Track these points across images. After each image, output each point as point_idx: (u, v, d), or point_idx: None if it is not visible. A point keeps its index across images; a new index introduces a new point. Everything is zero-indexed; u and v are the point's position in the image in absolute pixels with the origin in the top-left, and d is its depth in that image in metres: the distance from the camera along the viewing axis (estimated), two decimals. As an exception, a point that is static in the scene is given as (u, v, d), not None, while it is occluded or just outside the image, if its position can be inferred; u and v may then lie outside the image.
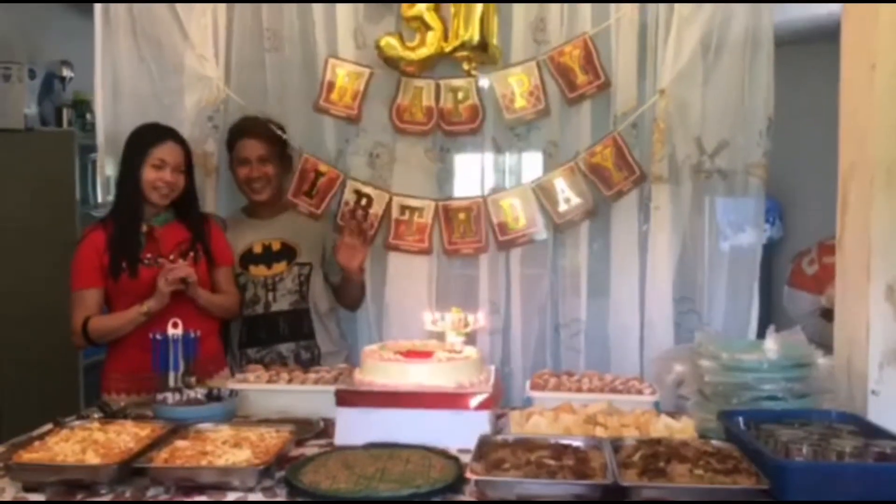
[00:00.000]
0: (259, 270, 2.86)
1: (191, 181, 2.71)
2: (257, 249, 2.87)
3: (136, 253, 2.59)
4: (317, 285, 2.89)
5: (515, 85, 2.79)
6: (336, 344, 2.94)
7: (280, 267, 2.86)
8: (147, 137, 2.63)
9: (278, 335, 2.86)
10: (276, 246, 2.88)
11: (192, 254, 2.65)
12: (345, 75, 2.83)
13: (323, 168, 2.87)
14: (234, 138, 2.87)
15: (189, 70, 2.89)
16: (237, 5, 2.93)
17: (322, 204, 2.88)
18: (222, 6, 2.91)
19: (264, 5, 2.92)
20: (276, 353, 2.84)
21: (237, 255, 2.84)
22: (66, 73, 4.31)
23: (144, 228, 2.63)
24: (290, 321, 2.86)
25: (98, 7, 2.90)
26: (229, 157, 2.90)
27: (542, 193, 2.81)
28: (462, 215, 2.85)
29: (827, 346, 2.20)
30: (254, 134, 2.83)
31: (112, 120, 2.91)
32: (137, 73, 2.92)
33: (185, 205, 2.71)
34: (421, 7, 2.73)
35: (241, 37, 2.96)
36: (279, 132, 2.84)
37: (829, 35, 2.40)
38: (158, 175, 2.60)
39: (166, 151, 2.61)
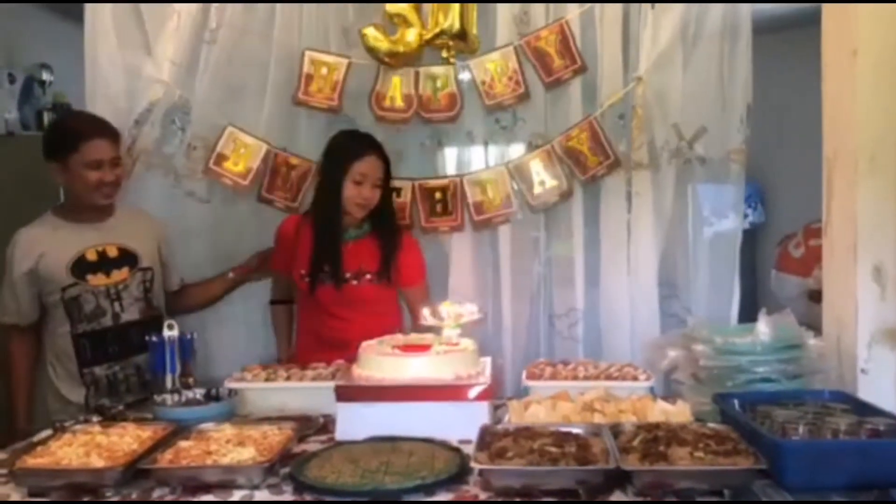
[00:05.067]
0: (98, 279, 2.53)
1: (388, 194, 2.64)
2: (91, 257, 2.53)
3: (339, 265, 2.60)
4: (160, 290, 2.69)
5: (494, 70, 2.82)
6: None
7: (122, 274, 2.56)
8: (350, 151, 2.56)
9: (131, 347, 2.56)
10: (112, 252, 2.57)
11: (367, 276, 2.64)
12: (323, 66, 2.83)
13: (294, 161, 2.85)
14: (78, 138, 2.49)
15: (150, 71, 2.81)
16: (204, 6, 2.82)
17: (298, 197, 2.87)
18: (187, 7, 2.80)
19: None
20: (132, 366, 2.57)
21: (65, 265, 2.49)
22: (45, 76, 4.26)
23: None
24: (142, 331, 2.49)
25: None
26: (64, 158, 2.49)
27: (518, 174, 2.85)
28: (438, 195, 2.88)
29: (814, 328, 2.23)
30: (104, 134, 2.53)
31: None
32: (112, 76, 2.82)
33: (381, 219, 2.65)
34: (404, 6, 2.73)
35: (206, 37, 2.83)
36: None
37: (810, 21, 2.43)
38: (358, 191, 2.54)
39: (368, 166, 2.55)
